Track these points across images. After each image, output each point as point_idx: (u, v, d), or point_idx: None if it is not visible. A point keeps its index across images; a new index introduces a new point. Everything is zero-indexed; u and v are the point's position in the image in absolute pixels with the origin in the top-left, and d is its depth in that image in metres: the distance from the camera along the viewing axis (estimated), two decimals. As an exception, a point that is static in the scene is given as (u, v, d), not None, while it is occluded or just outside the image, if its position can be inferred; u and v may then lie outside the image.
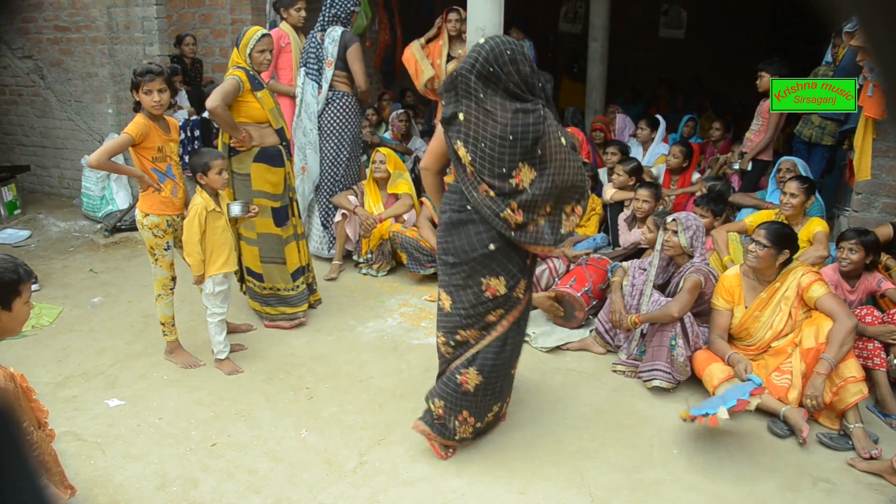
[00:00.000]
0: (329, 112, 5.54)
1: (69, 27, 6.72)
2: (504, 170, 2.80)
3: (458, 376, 3.09)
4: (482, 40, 2.85)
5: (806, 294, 3.54)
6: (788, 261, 3.67)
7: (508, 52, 2.80)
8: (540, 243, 2.95)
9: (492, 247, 2.93)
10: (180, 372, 3.91)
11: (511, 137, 2.76)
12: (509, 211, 2.84)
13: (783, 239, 3.63)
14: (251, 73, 4.19)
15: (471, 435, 3.21)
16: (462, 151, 2.84)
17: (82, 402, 3.60)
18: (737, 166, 5.92)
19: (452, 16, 6.08)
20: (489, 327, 3.09)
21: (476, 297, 3.00)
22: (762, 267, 3.65)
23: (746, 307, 3.73)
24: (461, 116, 2.82)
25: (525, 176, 2.82)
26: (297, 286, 4.52)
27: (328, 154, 5.61)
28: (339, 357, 4.12)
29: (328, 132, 5.58)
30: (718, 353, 3.70)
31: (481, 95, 2.79)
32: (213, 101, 4.02)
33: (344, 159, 5.62)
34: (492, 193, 2.86)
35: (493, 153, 2.79)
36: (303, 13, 5.59)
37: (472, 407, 3.12)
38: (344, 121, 5.55)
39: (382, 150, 5.46)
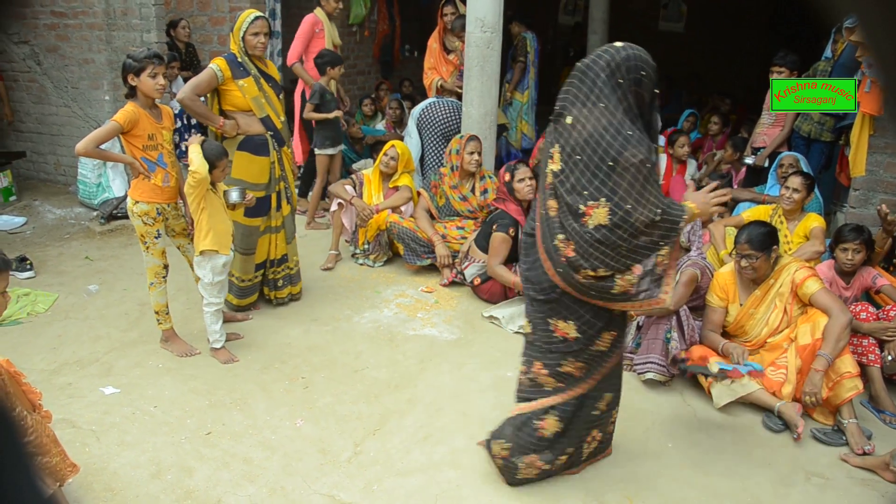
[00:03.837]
0: None
1: (66, 13, 6.68)
2: (586, 192, 2.45)
3: (535, 423, 2.84)
4: (619, 44, 2.52)
5: (800, 290, 3.54)
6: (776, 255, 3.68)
7: (645, 70, 2.49)
8: (595, 296, 2.59)
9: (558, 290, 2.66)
10: (175, 360, 3.91)
11: (610, 163, 2.41)
12: (561, 239, 2.55)
13: (767, 239, 3.59)
14: (239, 59, 4.13)
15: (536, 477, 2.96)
16: (556, 157, 2.55)
17: (77, 390, 3.59)
18: (750, 161, 5.82)
19: (448, 9, 6.17)
20: (567, 379, 2.79)
21: (545, 334, 2.75)
22: (760, 274, 3.64)
23: (741, 304, 3.73)
24: (569, 120, 2.51)
25: (596, 215, 2.45)
26: (256, 277, 4.48)
27: None
28: (334, 347, 4.12)
29: None
30: (711, 345, 3.70)
31: (601, 105, 2.45)
32: (182, 92, 4.09)
33: None
34: (552, 213, 2.58)
35: (585, 172, 2.46)
36: (341, 4, 5.86)
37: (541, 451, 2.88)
38: None
39: (398, 146, 5.43)
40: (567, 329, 2.68)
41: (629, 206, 2.41)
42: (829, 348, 3.32)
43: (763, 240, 3.57)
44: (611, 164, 2.40)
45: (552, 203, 2.57)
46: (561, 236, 2.54)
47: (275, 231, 4.48)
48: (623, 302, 2.59)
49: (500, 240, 4.58)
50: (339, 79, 6.19)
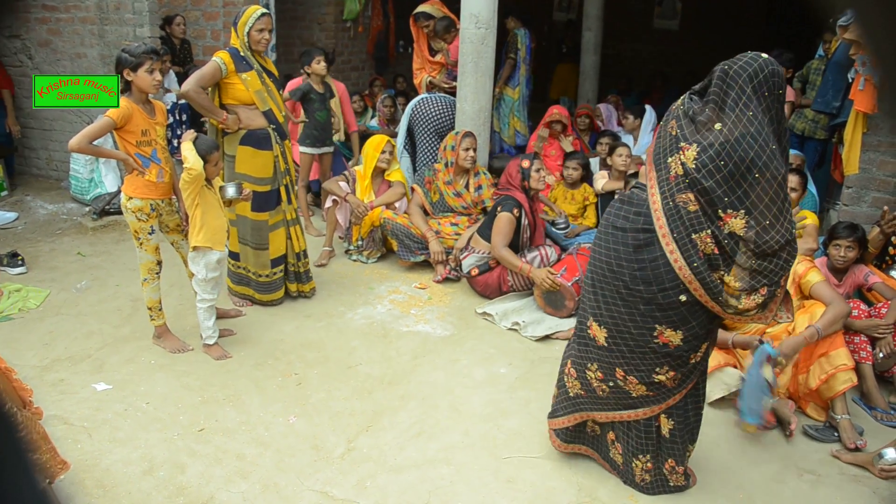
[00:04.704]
0: None
1: (58, 7, 6.63)
2: (727, 199, 2.38)
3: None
4: (766, 56, 2.45)
5: (802, 280, 3.60)
6: None
7: (783, 88, 2.45)
8: (726, 308, 2.50)
9: (682, 298, 2.52)
10: (168, 357, 3.89)
11: (756, 175, 2.35)
12: (706, 234, 2.43)
13: None
14: (241, 53, 4.14)
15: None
16: (690, 154, 2.43)
17: (69, 386, 3.57)
18: None
19: (422, 23, 6.22)
20: (660, 389, 2.72)
21: (643, 339, 2.64)
22: None
23: None
24: (717, 126, 2.40)
25: (732, 224, 2.40)
26: (274, 273, 4.49)
27: None
28: (328, 343, 4.11)
29: None
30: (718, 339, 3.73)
31: (749, 113, 2.38)
32: (186, 84, 4.09)
33: None
34: (692, 207, 2.45)
35: (729, 180, 2.37)
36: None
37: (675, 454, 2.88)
38: None
39: (392, 140, 5.44)
40: (672, 337, 2.59)
41: (767, 223, 2.36)
42: (822, 323, 3.36)
43: None
44: (756, 175, 2.34)
45: (689, 196, 2.44)
46: (705, 233, 2.43)
47: (292, 224, 4.51)
48: (736, 315, 2.53)
49: (505, 220, 4.59)
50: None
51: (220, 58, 4.10)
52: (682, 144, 2.46)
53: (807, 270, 3.61)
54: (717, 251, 2.42)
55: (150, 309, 3.93)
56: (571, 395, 2.96)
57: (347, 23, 8.92)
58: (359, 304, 4.64)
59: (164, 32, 6.69)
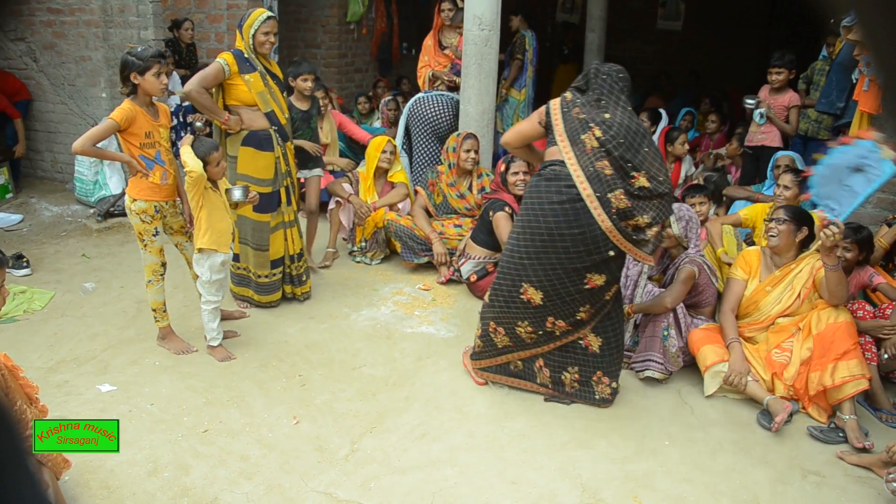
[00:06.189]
0: None
1: (63, 9, 6.65)
2: (630, 165, 3.11)
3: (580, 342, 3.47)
4: (619, 66, 3.36)
5: (817, 275, 3.62)
6: (807, 241, 3.76)
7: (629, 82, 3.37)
8: (641, 247, 3.22)
9: (611, 253, 3.17)
10: (173, 358, 3.90)
11: (646, 149, 3.16)
12: (619, 193, 3.09)
13: (802, 216, 3.75)
14: (245, 55, 4.16)
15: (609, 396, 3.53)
16: (597, 132, 3.15)
17: (74, 388, 3.58)
18: (751, 101, 5.70)
19: (445, 5, 6.16)
20: (579, 323, 3.38)
21: (574, 288, 3.25)
22: (783, 245, 3.72)
23: (760, 281, 3.79)
24: (606, 115, 3.19)
25: (641, 179, 3.12)
26: (273, 274, 4.50)
27: None
28: (332, 345, 4.11)
29: None
30: (724, 329, 3.74)
31: (622, 102, 3.24)
32: (189, 84, 4.12)
33: None
34: (608, 171, 3.11)
35: (628, 152, 3.12)
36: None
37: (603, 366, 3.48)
38: None
39: (394, 140, 5.46)
40: (598, 280, 3.24)
41: (654, 173, 3.14)
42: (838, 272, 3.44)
43: (797, 213, 3.78)
44: (646, 149, 3.15)
45: (605, 163, 3.13)
46: (619, 191, 3.10)
47: (289, 226, 4.51)
48: (640, 248, 3.22)
49: (503, 218, 4.60)
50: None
51: (224, 59, 4.12)
52: (591, 125, 3.18)
53: (822, 267, 3.62)
54: (629, 204, 3.11)
55: (154, 310, 3.94)
56: (500, 346, 3.52)
57: (351, 25, 8.93)
58: (363, 306, 4.64)
59: (173, 35, 6.72)
